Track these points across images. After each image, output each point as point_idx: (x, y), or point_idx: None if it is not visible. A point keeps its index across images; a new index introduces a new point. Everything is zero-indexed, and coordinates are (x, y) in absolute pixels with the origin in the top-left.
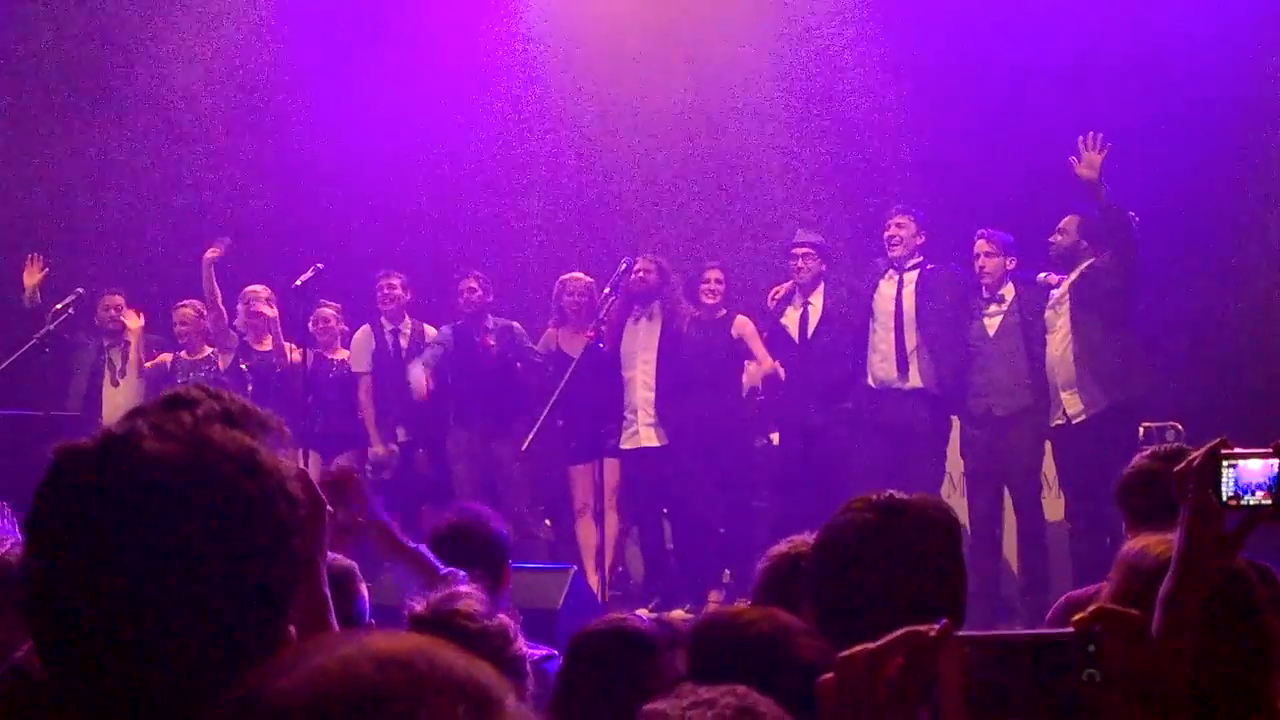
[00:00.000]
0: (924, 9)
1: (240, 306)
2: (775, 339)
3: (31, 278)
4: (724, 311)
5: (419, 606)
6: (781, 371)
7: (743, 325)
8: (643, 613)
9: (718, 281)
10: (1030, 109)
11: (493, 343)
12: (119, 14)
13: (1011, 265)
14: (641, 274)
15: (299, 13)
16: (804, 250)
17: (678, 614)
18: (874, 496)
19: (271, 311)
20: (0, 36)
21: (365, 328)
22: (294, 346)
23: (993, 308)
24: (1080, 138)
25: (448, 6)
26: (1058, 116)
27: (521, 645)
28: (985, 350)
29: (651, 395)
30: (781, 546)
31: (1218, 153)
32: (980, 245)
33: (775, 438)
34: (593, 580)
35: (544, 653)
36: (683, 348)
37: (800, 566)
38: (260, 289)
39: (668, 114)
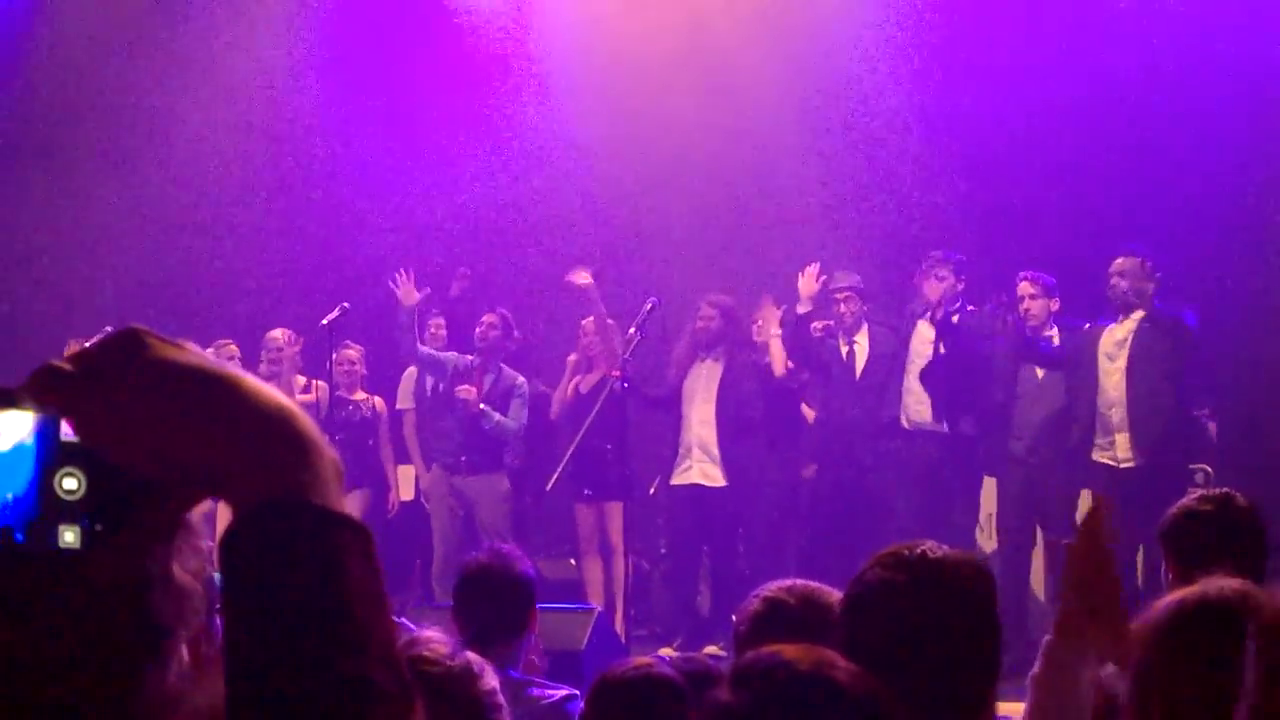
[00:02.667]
0: (957, 49)
1: (263, 354)
2: (822, 371)
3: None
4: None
5: None
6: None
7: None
8: (666, 652)
9: (765, 319)
10: (1068, 147)
11: (469, 390)
12: (151, 55)
13: (1055, 307)
14: (704, 322)
15: (325, 53)
16: (845, 294)
17: (710, 650)
18: (904, 552)
19: (291, 351)
20: (32, 79)
21: (413, 368)
22: (318, 383)
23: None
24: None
25: (469, 45)
26: (1094, 154)
27: (490, 680)
28: (1030, 393)
29: (708, 434)
30: (754, 604)
31: (1253, 196)
32: (1024, 288)
33: (810, 471)
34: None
35: (565, 693)
36: (743, 389)
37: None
38: (279, 333)
39: (696, 151)
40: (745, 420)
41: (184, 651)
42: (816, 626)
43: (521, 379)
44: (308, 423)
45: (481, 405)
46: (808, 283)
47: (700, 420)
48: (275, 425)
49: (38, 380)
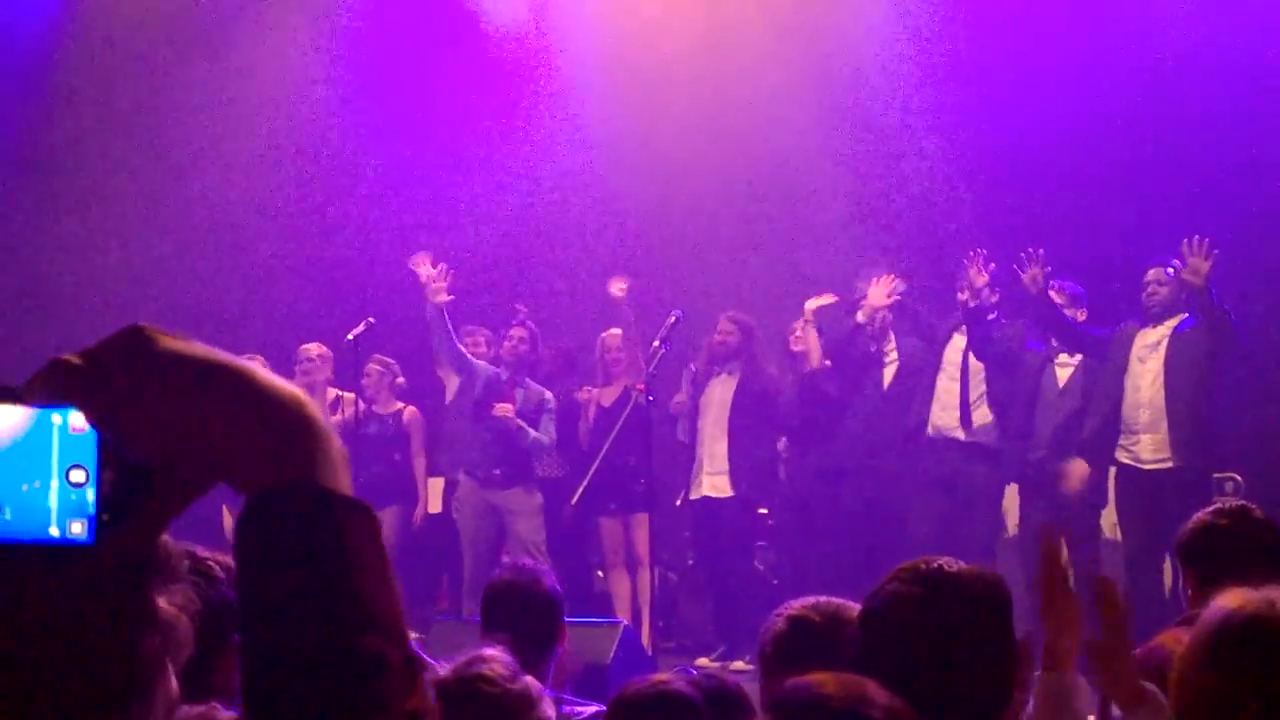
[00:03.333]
0: (980, 55)
1: (296, 366)
2: (850, 376)
3: None
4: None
5: (443, 671)
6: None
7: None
8: (704, 662)
9: (804, 332)
10: (1092, 154)
11: (506, 408)
12: (173, 68)
13: (1083, 317)
14: (722, 337)
15: (346, 66)
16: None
17: (738, 665)
18: (922, 566)
19: (323, 365)
20: (55, 91)
21: (455, 378)
22: (346, 396)
23: (1063, 358)
24: (1185, 241)
25: (490, 56)
26: (1121, 162)
27: (546, 709)
28: (1051, 400)
29: (719, 447)
30: (779, 624)
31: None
32: (1052, 296)
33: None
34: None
35: (594, 710)
36: (765, 402)
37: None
38: (313, 346)
39: (716, 160)
40: (759, 433)
41: (173, 684)
42: (843, 646)
43: (549, 394)
44: (316, 410)
45: (519, 422)
46: (878, 293)
47: (713, 435)
48: (285, 411)
49: (49, 374)
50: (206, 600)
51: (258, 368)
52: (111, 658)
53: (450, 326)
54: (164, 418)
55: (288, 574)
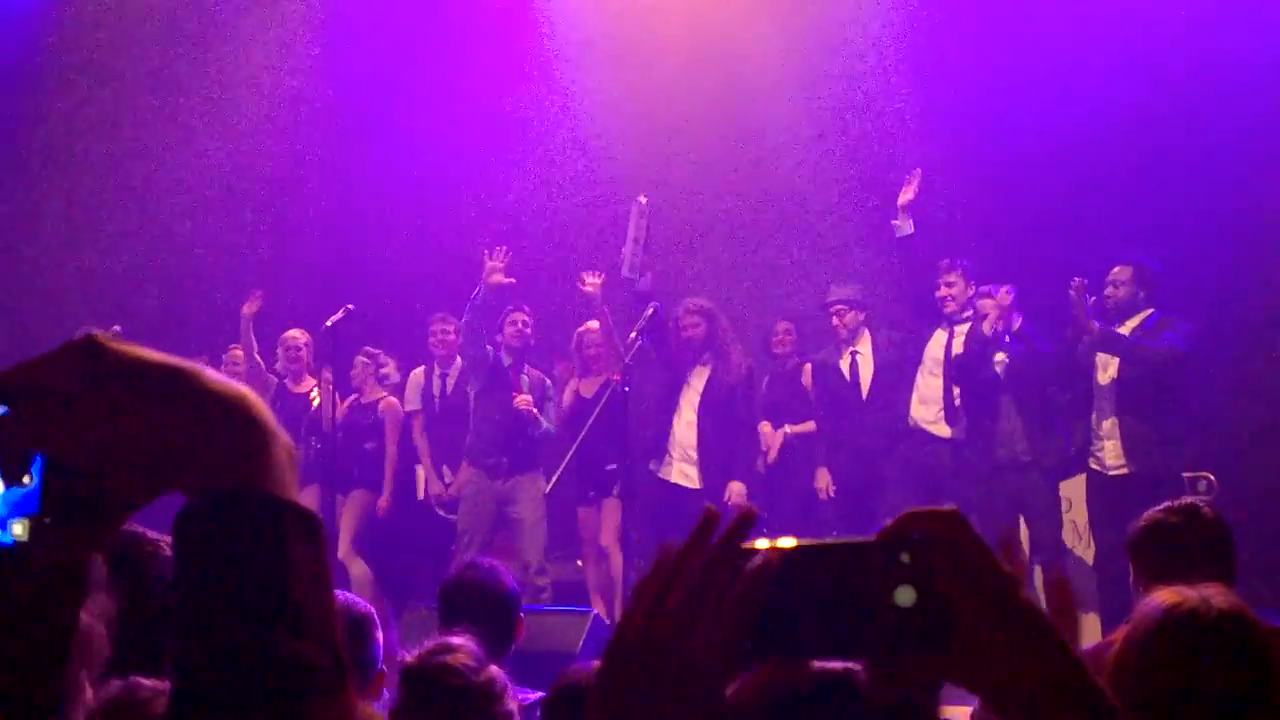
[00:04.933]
0: (968, 56)
1: (280, 351)
2: (826, 383)
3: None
4: (795, 360)
5: (409, 657)
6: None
7: (809, 374)
8: None
9: (786, 332)
10: (1073, 159)
11: (526, 399)
12: (163, 56)
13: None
14: (688, 331)
15: (335, 58)
16: (838, 307)
17: None
18: None
19: (306, 352)
20: (44, 76)
21: (420, 369)
22: (324, 378)
23: (1000, 355)
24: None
25: (481, 53)
26: (1101, 163)
27: (509, 703)
28: (1007, 398)
29: (689, 436)
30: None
31: (1255, 206)
32: (1003, 297)
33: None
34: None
35: (538, 696)
36: (733, 395)
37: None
38: (298, 333)
39: (701, 154)
40: (728, 424)
41: (88, 692)
42: None
43: (549, 380)
44: (262, 409)
45: (536, 413)
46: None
47: (685, 422)
48: (230, 414)
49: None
50: (157, 578)
51: (204, 370)
52: (34, 673)
53: (486, 309)
54: (111, 424)
55: (221, 578)
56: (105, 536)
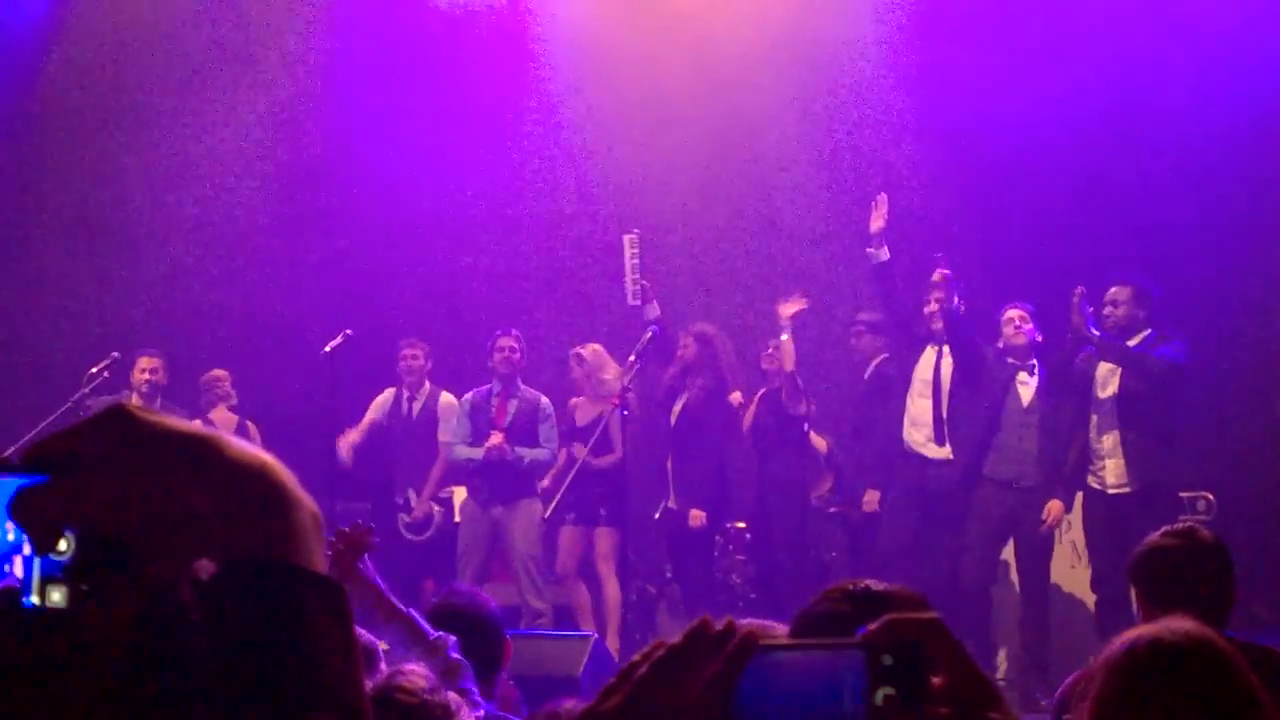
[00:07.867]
0: (961, 64)
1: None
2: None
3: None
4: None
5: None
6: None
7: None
8: None
9: (776, 349)
10: (1063, 175)
11: (498, 438)
12: (159, 75)
13: (1039, 337)
14: (681, 352)
15: (329, 82)
16: (857, 328)
17: None
18: (850, 586)
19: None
20: (44, 85)
21: (389, 390)
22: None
23: (1023, 376)
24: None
25: (472, 73)
26: (1094, 176)
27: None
28: (1014, 420)
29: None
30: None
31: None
32: (1012, 314)
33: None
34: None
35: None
36: (712, 416)
37: None
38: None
39: (694, 166)
40: (704, 447)
41: None
42: None
43: (545, 400)
44: (284, 476)
45: (513, 452)
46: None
47: (677, 448)
48: (252, 483)
49: (30, 460)
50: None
51: (226, 437)
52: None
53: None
54: (140, 494)
55: (243, 648)
56: (141, 605)
